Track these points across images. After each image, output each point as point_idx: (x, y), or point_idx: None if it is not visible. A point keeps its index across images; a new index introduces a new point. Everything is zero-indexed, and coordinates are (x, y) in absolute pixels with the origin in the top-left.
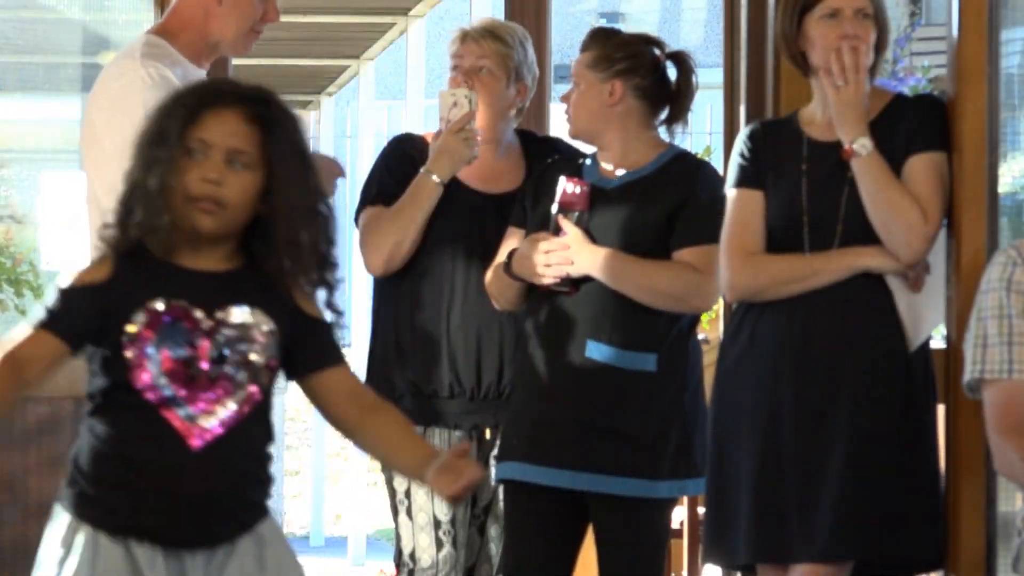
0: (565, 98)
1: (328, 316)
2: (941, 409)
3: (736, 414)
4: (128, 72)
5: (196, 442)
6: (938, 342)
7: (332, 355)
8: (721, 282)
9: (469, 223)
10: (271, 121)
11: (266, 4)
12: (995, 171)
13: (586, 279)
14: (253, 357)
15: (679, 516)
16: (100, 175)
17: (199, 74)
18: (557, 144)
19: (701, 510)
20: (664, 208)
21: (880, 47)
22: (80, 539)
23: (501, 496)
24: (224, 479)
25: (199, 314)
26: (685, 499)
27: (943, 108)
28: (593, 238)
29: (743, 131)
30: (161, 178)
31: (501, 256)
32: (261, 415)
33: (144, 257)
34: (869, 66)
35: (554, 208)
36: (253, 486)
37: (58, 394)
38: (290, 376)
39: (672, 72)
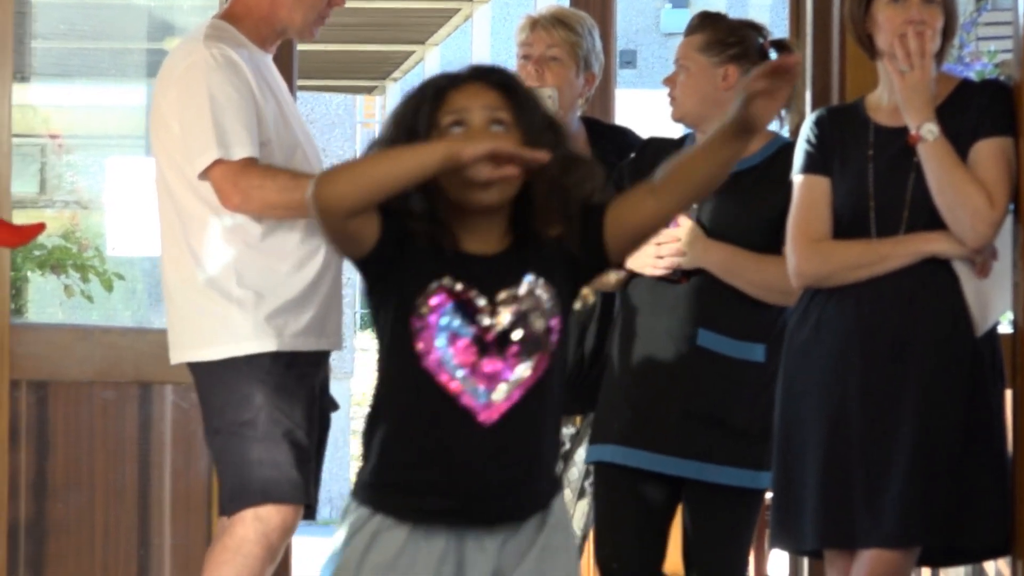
0: (669, 81)
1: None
2: (1008, 394)
3: (803, 400)
4: (192, 54)
5: (485, 419)
6: (1005, 327)
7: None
8: (788, 268)
9: None
10: (511, 87)
11: None
12: None
13: (697, 269)
14: (535, 325)
15: None
16: (168, 158)
17: (265, 59)
18: (623, 132)
19: (769, 495)
20: (777, 203)
21: (948, 33)
22: (364, 524)
23: (564, 483)
24: (514, 454)
25: (480, 296)
26: None
27: (1009, 93)
28: (704, 227)
29: (809, 117)
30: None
31: None
32: (548, 383)
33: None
34: (935, 52)
35: None
36: (542, 458)
37: (124, 379)
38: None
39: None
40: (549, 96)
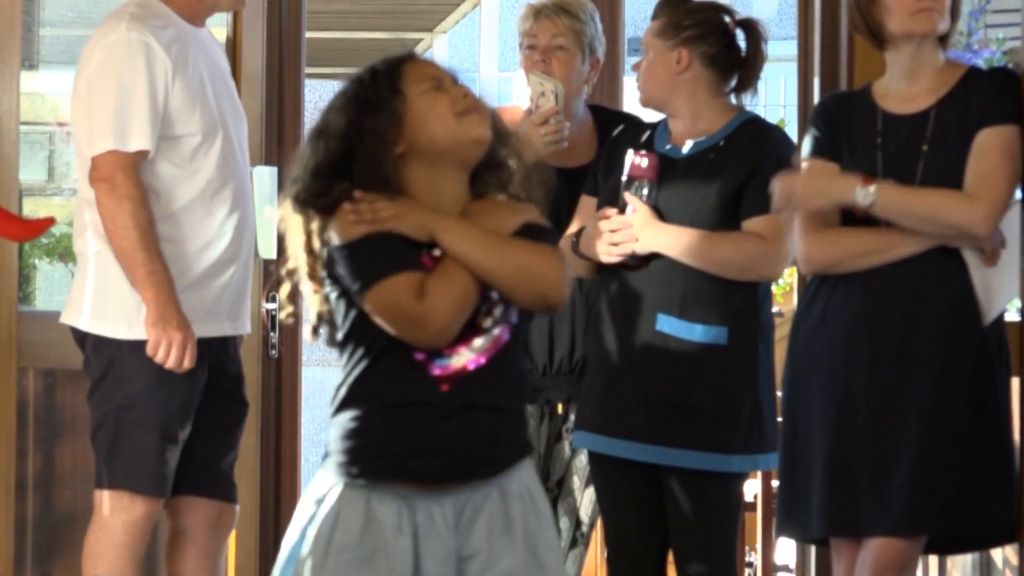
0: (637, 67)
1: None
2: (1015, 382)
3: (809, 388)
4: (111, 34)
5: (442, 380)
6: (1012, 315)
7: None
8: (796, 255)
9: None
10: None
11: None
12: None
13: (656, 254)
14: (494, 297)
15: (753, 489)
16: (89, 147)
17: (194, 33)
18: (630, 119)
19: (775, 483)
20: (733, 179)
21: (953, 15)
22: (331, 494)
23: (573, 470)
24: (468, 417)
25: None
26: (759, 473)
27: (1017, 81)
28: (660, 212)
29: (817, 103)
30: (390, 135)
31: (574, 227)
32: (511, 350)
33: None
34: (942, 34)
35: (623, 180)
36: (502, 418)
37: None
38: None
39: (742, 40)
40: (553, 91)
